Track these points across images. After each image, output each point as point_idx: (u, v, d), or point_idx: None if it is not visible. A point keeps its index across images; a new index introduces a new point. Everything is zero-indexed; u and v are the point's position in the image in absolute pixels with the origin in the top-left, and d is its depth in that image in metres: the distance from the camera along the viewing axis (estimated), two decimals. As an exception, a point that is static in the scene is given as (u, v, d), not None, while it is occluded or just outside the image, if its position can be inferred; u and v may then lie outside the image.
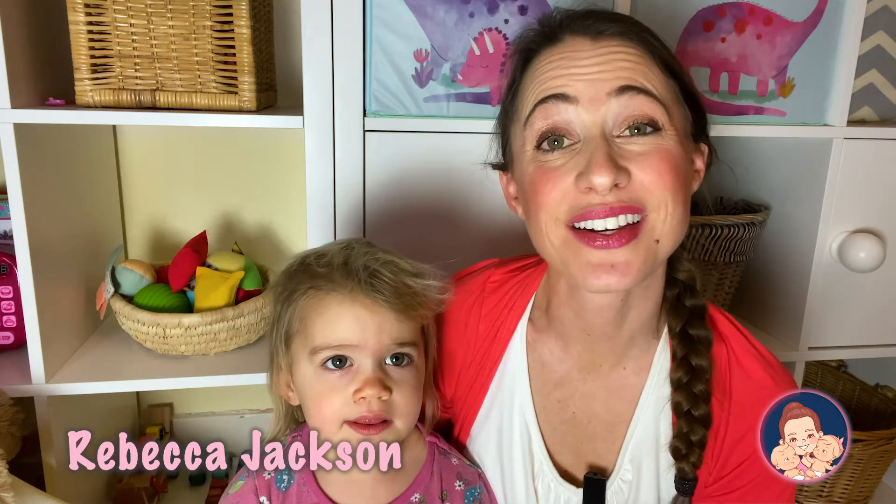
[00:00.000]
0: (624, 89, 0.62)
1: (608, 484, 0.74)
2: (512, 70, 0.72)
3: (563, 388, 0.78)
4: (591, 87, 0.63)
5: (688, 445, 0.71)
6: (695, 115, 0.69)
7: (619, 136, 0.63)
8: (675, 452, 0.72)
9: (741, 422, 0.72)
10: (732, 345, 0.75)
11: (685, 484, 0.72)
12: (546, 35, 0.68)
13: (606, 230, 0.62)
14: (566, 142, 0.65)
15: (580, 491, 0.75)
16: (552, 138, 0.65)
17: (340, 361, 0.70)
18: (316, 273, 0.71)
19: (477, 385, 0.81)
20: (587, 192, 0.62)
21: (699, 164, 0.71)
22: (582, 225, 0.64)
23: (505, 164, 0.75)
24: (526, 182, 0.68)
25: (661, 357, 0.75)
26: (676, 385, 0.72)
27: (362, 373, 0.69)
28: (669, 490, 0.75)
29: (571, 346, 0.77)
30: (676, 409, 0.72)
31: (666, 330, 0.76)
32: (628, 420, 0.75)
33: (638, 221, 0.63)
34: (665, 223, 0.63)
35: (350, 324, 0.69)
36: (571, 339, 0.76)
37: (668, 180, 0.62)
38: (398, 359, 0.72)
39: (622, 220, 0.62)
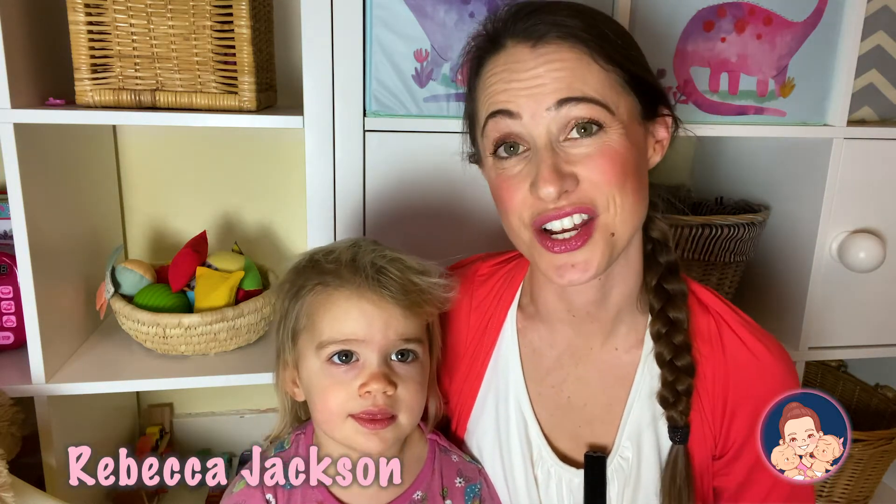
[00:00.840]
0: (562, 102, 0.65)
1: (608, 461, 0.75)
2: (468, 77, 0.75)
3: (555, 374, 0.79)
4: (532, 101, 0.66)
5: (674, 394, 0.73)
6: (645, 95, 0.70)
7: (566, 140, 0.66)
8: (663, 401, 0.74)
9: (740, 382, 0.74)
10: (722, 315, 0.76)
11: (677, 432, 0.74)
12: (491, 40, 0.70)
13: (564, 230, 0.67)
14: (521, 148, 0.68)
15: (581, 472, 0.76)
16: (507, 145, 0.69)
17: (347, 356, 0.71)
18: (324, 269, 0.72)
19: (471, 377, 0.82)
20: (541, 198, 0.66)
21: (661, 134, 0.73)
22: (543, 227, 0.68)
23: (479, 160, 0.77)
24: (492, 186, 0.73)
25: None
26: (656, 337, 0.75)
27: (368, 367, 0.70)
28: None
29: (559, 329, 0.79)
30: (659, 359, 0.74)
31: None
32: (624, 399, 0.76)
33: (592, 218, 0.67)
34: (616, 217, 0.67)
35: (357, 319, 0.70)
36: (558, 323, 0.78)
37: (613, 177, 0.66)
38: (403, 355, 0.72)
39: (577, 218, 0.67)
